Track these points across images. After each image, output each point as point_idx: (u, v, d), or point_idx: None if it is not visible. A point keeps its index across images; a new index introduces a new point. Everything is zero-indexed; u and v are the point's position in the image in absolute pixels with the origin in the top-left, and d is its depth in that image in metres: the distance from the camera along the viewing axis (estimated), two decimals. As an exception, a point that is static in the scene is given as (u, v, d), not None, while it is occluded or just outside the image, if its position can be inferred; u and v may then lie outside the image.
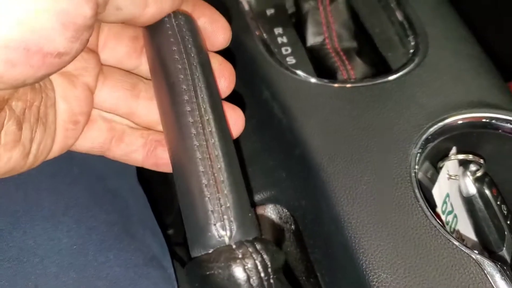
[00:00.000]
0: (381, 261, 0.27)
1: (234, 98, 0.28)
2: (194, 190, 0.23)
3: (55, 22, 0.19)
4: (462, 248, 0.27)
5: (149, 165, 0.29)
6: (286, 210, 0.35)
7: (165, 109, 0.25)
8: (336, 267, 0.30)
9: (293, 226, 0.35)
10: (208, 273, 0.22)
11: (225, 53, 0.40)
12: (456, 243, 0.27)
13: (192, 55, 0.25)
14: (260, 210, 0.36)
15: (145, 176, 0.43)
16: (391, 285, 0.26)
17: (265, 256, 0.22)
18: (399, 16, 0.40)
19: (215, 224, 0.22)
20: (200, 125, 0.24)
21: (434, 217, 0.28)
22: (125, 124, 0.29)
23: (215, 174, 0.23)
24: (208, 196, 0.22)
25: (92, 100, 0.27)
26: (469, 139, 0.34)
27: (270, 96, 0.35)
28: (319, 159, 0.31)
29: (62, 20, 0.19)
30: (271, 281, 0.22)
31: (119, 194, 0.36)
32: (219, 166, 0.23)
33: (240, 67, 0.39)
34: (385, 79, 0.35)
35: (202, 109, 0.24)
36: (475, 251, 0.27)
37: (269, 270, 0.22)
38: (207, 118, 0.24)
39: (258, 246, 0.22)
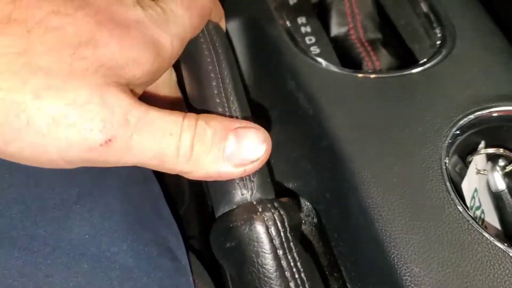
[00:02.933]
0: (413, 254, 0.26)
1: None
2: None
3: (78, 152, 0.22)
4: (498, 244, 0.26)
5: None
6: (309, 203, 0.34)
7: (195, 93, 0.29)
8: (363, 261, 0.29)
9: (315, 220, 0.34)
10: (232, 225, 0.25)
11: (248, 42, 0.39)
12: (491, 238, 0.27)
13: (219, 51, 0.29)
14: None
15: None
16: (424, 279, 0.25)
17: (282, 212, 0.25)
18: (424, 7, 0.40)
19: (238, 184, 0.26)
20: (226, 103, 0.28)
21: (466, 211, 0.28)
22: None
23: None
24: None
25: None
26: (499, 133, 0.33)
27: (295, 86, 0.34)
28: (347, 151, 0.30)
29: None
30: (288, 234, 0.25)
31: (133, 184, 0.35)
32: None
33: (263, 56, 0.38)
34: (412, 71, 0.34)
35: (228, 94, 0.28)
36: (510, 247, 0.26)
37: (286, 224, 0.25)
38: (231, 99, 0.28)
39: (276, 204, 0.25)
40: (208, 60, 0.28)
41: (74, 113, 0.21)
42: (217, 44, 0.29)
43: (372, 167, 0.29)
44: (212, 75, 0.28)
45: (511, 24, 0.39)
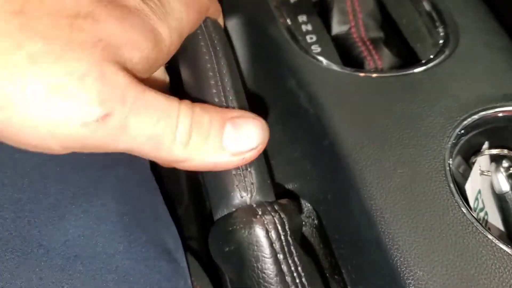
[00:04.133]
0: (416, 257, 0.26)
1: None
2: None
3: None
4: (502, 246, 0.26)
5: None
6: (309, 205, 0.34)
7: (193, 88, 0.28)
8: (365, 263, 0.29)
9: (316, 221, 0.34)
10: (231, 228, 0.24)
11: (249, 41, 0.38)
12: (495, 240, 0.26)
13: (218, 48, 0.28)
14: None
15: (154, 168, 0.42)
16: (428, 283, 0.25)
17: (282, 215, 0.24)
18: (426, 6, 0.39)
19: (237, 186, 0.25)
20: (223, 95, 0.27)
21: (470, 213, 0.27)
22: None
23: None
24: None
25: None
26: (503, 134, 0.33)
27: (295, 85, 0.34)
28: (349, 151, 0.30)
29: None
30: (288, 238, 0.24)
31: (130, 184, 0.34)
32: None
33: (264, 55, 0.37)
34: (415, 70, 0.34)
35: (228, 97, 0.27)
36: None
37: (286, 227, 0.24)
38: (228, 90, 0.27)
39: (276, 207, 0.25)
40: (206, 56, 0.27)
41: (72, 83, 0.20)
42: (215, 40, 0.28)
43: (374, 168, 0.29)
44: (210, 70, 0.27)
45: (514, 23, 0.38)
